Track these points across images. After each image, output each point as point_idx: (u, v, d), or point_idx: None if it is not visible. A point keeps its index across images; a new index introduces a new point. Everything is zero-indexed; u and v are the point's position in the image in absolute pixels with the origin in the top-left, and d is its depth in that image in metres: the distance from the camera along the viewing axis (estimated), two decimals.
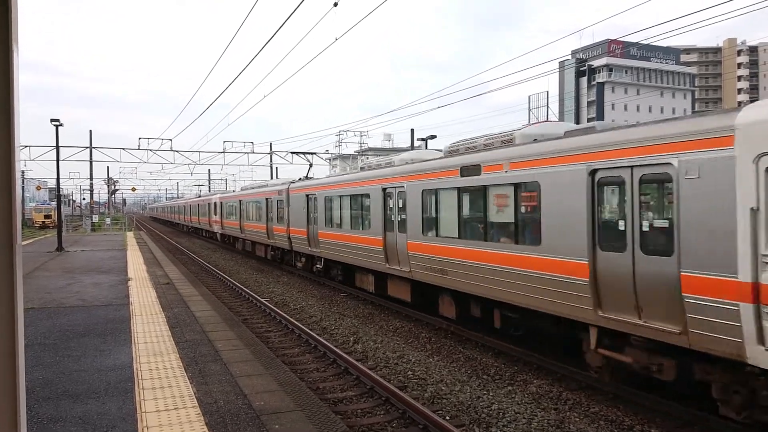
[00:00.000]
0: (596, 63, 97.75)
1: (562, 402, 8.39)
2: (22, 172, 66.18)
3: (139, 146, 46.87)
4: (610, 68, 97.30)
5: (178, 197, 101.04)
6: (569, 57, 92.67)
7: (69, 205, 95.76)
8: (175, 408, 6.18)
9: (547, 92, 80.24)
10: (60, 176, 32.60)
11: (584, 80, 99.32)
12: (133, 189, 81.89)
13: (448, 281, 11.82)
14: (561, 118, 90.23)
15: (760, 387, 6.40)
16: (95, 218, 57.95)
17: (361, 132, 58.12)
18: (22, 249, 1.78)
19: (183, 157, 51.36)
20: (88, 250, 29.66)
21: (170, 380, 7.20)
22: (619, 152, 7.68)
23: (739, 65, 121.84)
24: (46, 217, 65.49)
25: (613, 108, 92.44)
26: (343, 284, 18.89)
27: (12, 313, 1.67)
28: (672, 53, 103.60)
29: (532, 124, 10.88)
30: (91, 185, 57.87)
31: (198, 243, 45.56)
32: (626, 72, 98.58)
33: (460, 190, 11.46)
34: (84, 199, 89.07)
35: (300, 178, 24.07)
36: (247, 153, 49.97)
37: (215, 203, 40.75)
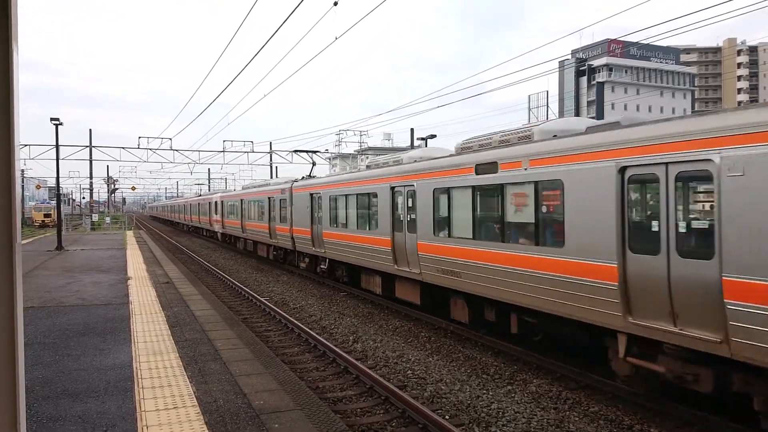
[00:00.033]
0: (596, 62, 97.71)
1: (561, 401, 8.39)
2: (22, 171, 66.17)
3: (138, 145, 46.92)
4: (609, 68, 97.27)
5: (177, 196, 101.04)
6: (569, 56, 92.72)
7: (69, 204, 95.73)
8: (175, 407, 6.18)
9: (547, 92, 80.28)
10: (60, 175, 32.60)
11: (584, 80, 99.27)
12: (133, 188, 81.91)
13: (461, 284, 11.34)
14: (561, 117, 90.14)
15: None
16: (95, 217, 57.93)
17: (360, 131, 58.16)
18: (22, 248, 1.78)
19: (183, 157, 51.43)
20: (87, 249, 29.66)
21: (170, 379, 7.20)
22: (653, 148, 7.19)
23: (739, 65, 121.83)
24: (46, 216, 65.46)
25: (612, 107, 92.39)
26: (348, 285, 18.50)
27: (11, 312, 1.67)
28: (672, 53, 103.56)
29: (549, 120, 10.45)
30: (91, 184, 57.87)
31: (198, 242, 45.55)
32: (626, 72, 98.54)
33: (475, 189, 10.97)
34: (84, 198, 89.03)
35: (303, 177, 23.70)
36: (247, 152, 50.04)
37: (216, 202, 40.41)
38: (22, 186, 68.46)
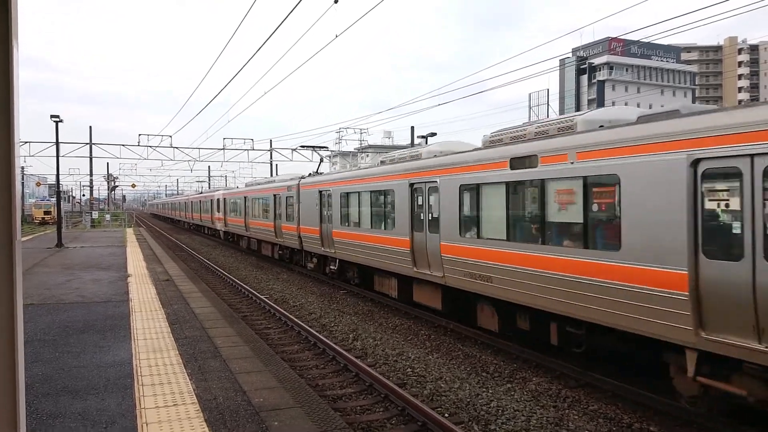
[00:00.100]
0: (597, 61, 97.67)
1: (561, 399, 8.40)
2: (22, 168, 66.18)
3: (138, 143, 46.89)
4: (610, 66, 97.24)
5: (178, 193, 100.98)
6: (570, 55, 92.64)
7: (69, 202, 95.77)
8: (174, 404, 6.19)
9: (548, 90, 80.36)
10: (60, 172, 32.60)
11: (585, 78, 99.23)
12: (133, 185, 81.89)
13: (491, 289, 10.40)
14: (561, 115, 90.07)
15: None
16: (95, 214, 57.96)
17: (361, 129, 58.13)
18: (22, 245, 1.78)
19: (183, 154, 51.44)
20: (87, 247, 29.66)
21: (169, 376, 7.21)
22: (735, 138, 6.30)
23: (740, 64, 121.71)
24: (46, 213, 65.53)
25: (613, 106, 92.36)
26: (360, 287, 17.69)
27: (11, 309, 1.67)
28: (672, 51, 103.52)
29: (589, 110, 9.56)
30: (91, 181, 57.88)
31: (198, 240, 45.54)
32: (627, 70, 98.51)
33: (510, 185, 9.98)
34: (84, 195, 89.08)
35: (310, 173, 22.95)
36: (247, 150, 50.00)
37: (218, 199, 39.63)
38: (22, 183, 68.47)
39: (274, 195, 25.19)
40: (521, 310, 10.17)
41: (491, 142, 11.11)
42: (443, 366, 10.06)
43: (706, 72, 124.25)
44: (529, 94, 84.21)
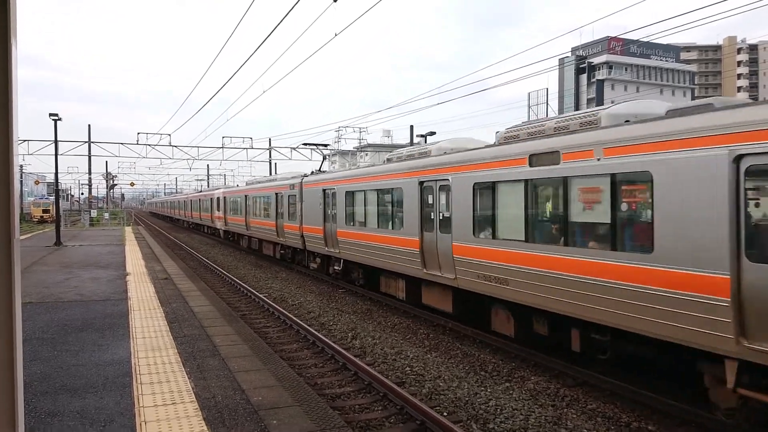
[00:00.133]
0: (596, 60, 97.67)
1: (559, 398, 8.41)
2: (21, 166, 66.08)
3: (137, 141, 46.89)
4: (609, 65, 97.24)
5: (177, 192, 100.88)
6: (569, 54, 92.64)
7: (67, 200, 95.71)
8: (173, 403, 6.19)
9: (547, 89, 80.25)
10: (58, 171, 32.58)
11: (584, 77, 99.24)
12: (132, 184, 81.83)
13: (508, 292, 9.91)
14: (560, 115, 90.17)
15: None
16: (93, 213, 57.92)
17: (360, 128, 58.15)
18: (20, 243, 1.78)
19: (182, 153, 51.41)
20: (86, 245, 29.64)
21: (168, 375, 7.21)
22: None
23: (739, 63, 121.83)
24: (45, 211, 65.49)
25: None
26: (365, 288, 17.25)
27: (10, 307, 1.67)
28: (672, 51, 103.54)
29: (614, 104, 9.07)
30: (90, 180, 57.82)
31: (196, 238, 45.51)
32: (626, 69, 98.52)
33: (529, 183, 9.46)
34: (82, 193, 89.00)
35: (313, 171, 22.59)
36: (246, 148, 50.01)
37: (218, 198, 39.06)
38: (21, 181, 68.35)
39: (276, 193, 24.73)
40: (539, 315, 9.69)
41: (506, 139, 10.60)
42: (442, 365, 10.07)
43: (705, 71, 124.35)
44: (528, 93, 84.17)
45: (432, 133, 37.78)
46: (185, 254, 31.13)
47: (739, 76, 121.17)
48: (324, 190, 19.08)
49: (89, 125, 49.51)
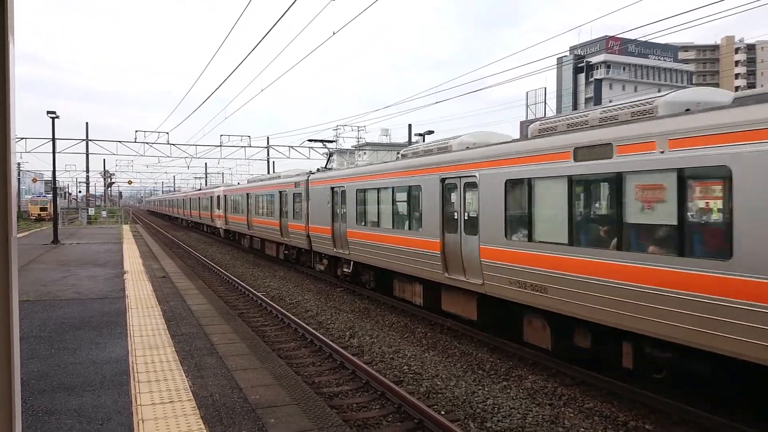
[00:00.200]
0: (594, 59, 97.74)
1: (556, 397, 8.42)
2: (18, 164, 65.90)
3: (135, 139, 46.84)
4: (608, 65, 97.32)
5: (175, 190, 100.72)
6: (567, 53, 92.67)
7: (65, 198, 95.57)
8: (171, 401, 6.19)
9: (545, 88, 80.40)
10: (56, 168, 32.52)
11: (582, 77, 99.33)
12: (130, 182, 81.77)
13: (546, 301, 9.01)
14: (559, 114, 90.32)
15: None
16: (91, 211, 57.85)
17: (358, 127, 58.15)
18: (18, 241, 1.78)
19: (180, 151, 51.34)
20: (83, 243, 29.59)
21: (166, 373, 7.20)
22: None
23: (737, 63, 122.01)
24: (42, 209, 65.29)
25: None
26: (375, 292, 16.45)
27: (7, 305, 1.67)
28: (670, 50, 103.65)
29: (669, 92, 8.22)
30: (87, 178, 57.75)
31: (194, 237, 45.46)
32: (624, 69, 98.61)
33: (573, 180, 8.56)
34: (80, 191, 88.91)
35: (318, 169, 21.96)
36: (244, 147, 49.99)
37: (219, 196, 38.32)
38: (18, 179, 68.19)
39: (281, 192, 23.92)
40: (581, 326, 8.78)
41: (541, 131, 9.71)
42: (439, 364, 10.08)
43: (703, 71, 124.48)
44: (527, 93, 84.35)
45: (430, 132, 37.77)
46: (183, 252, 31.10)
47: (736, 75, 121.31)
48: (333, 188, 18.27)
49: (87, 123, 49.47)
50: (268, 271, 23.52)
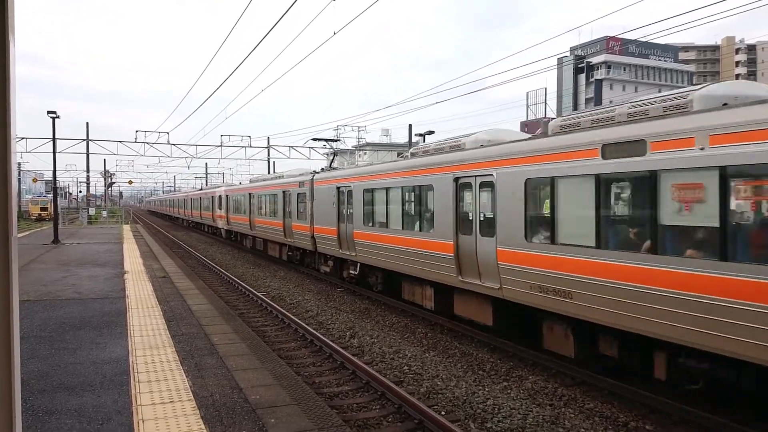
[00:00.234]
0: (594, 60, 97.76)
1: (557, 398, 8.42)
2: (19, 164, 65.97)
3: (136, 139, 46.85)
4: (608, 65, 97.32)
5: (175, 190, 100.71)
6: (567, 54, 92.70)
7: (65, 198, 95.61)
8: (171, 401, 6.19)
9: (545, 89, 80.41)
10: (57, 168, 32.53)
11: (582, 77, 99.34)
12: (130, 182, 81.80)
13: (570, 307, 8.54)
14: (559, 114, 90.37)
15: None
16: (92, 211, 57.87)
17: (359, 127, 58.15)
18: (18, 241, 1.78)
19: (180, 151, 51.35)
20: (84, 243, 29.60)
21: (166, 373, 7.20)
22: None
23: (737, 63, 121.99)
24: (43, 209, 65.31)
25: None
26: (383, 295, 16.03)
27: (7, 305, 1.67)
28: (670, 51, 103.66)
29: (702, 85, 7.76)
30: (88, 177, 57.77)
31: (195, 237, 45.46)
32: (624, 69, 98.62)
33: (601, 179, 8.07)
34: (80, 191, 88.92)
35: (323, 169, 21.58)
36: (245, 147, 49.98)
37: (220, 196, 37.93)
38: (19, 179, 68.29)
39: (284, 191, 23.44)
40: (607, 333, 8.36)
41: (563, 128, 9.25)
42: (440, 364, 10.08)
43: (703, 72, 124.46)
44: (527, 93, 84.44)
45: (431, 132, 37.77)
46: (183, 253, 31.11)
47: (737, 76, 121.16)
48: (338, 188, 17.78)
49: (87, 123, 49.47)
50: (268, 271, 23.52)
